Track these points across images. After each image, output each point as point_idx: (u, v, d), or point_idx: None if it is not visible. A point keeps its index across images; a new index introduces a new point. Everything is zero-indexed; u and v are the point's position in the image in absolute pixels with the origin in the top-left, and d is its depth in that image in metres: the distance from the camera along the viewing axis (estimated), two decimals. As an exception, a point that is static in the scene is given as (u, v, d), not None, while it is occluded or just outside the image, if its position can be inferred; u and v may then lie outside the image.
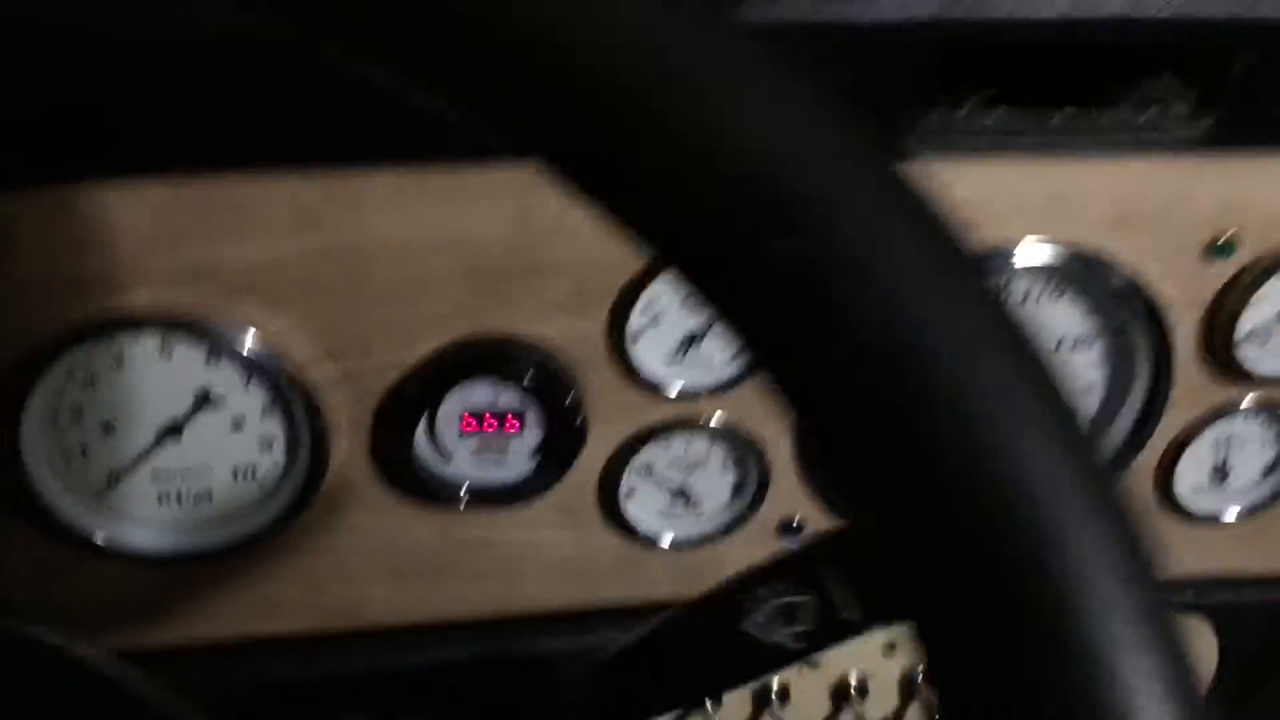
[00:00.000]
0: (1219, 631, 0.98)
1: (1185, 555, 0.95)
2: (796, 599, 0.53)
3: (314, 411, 0.77)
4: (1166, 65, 0.70)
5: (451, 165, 0.69)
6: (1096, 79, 0.71)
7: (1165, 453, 0.89)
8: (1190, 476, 0.91)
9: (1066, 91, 0.71)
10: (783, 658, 0.53)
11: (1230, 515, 0.93)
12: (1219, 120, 0.72)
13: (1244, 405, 0.88)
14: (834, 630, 0.52)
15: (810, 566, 0.52)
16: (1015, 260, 0.78)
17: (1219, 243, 0.78)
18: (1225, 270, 0.80)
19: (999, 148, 0.73)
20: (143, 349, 0.74)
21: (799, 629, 0.52)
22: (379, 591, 0.87)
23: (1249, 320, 0.82)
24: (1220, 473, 0.92)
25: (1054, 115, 0.71)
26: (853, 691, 0.95)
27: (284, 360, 0.75)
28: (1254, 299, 0.81)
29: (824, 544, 0.52)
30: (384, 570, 0.86)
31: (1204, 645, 0.99)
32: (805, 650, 0.52)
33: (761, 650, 0.53)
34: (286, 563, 0.84)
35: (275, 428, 0.79)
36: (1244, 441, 0.90)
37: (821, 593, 0.51)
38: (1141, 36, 0.66)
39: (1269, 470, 0.92)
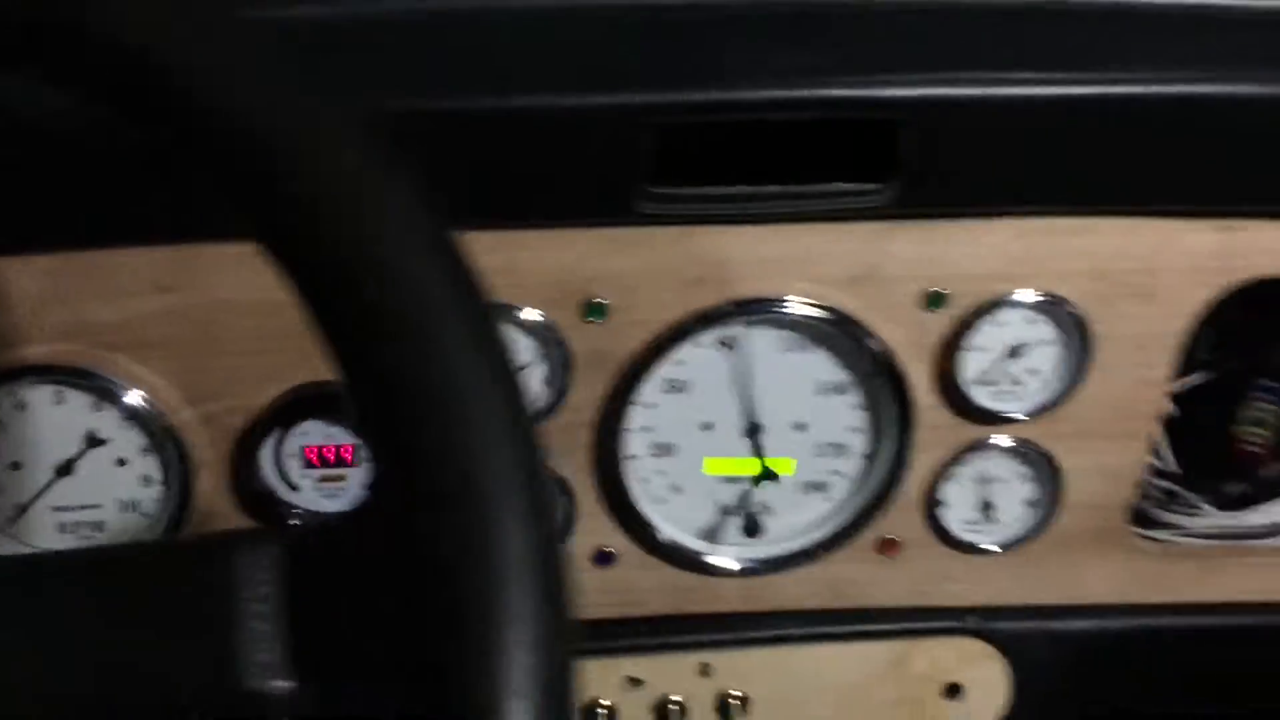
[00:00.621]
0: (1009, 661, 1.10)
1: (967, 587, 1.08)
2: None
3: (181, 451, 0.93)
4: (848, 142, 0.87)
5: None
6: (800, 155, 0.87)
7: (928, 490, 1.02)
8: (959, 512, 1.05)
9: (776, 166, 0.88)
10: None
11: (1002, 547, 1.06)
12: (901, 190, 0.88)
13: (995, 443, 1.01)
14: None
15: None
16: (777, 312, 0.93)
17: (930, 295, 0.94)
18: (943, 320, 0.95)
19: (728, 216, 0.90)
20: (40, 396, 0.91)
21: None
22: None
23: (972, 365, 0.97)
24: (987, 508, 1.05)
25: (765, 188, 0.88)
26: (671, 709, 1.07)
27: (155, 406, 0.91)
28: (968, 345, 0.96)
29: None
30: (250, 596, 1.00)
31: (995, 676, 1.10)
32: None
33: None
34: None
35: (153, 466, 0.95)
36: (1003, 478, 1.04)
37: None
38: (811, 111, 0.83)
39: (1032, 503, 1.05)
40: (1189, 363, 1.33)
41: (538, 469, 0.47)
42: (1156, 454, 1.30)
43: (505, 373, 0.48)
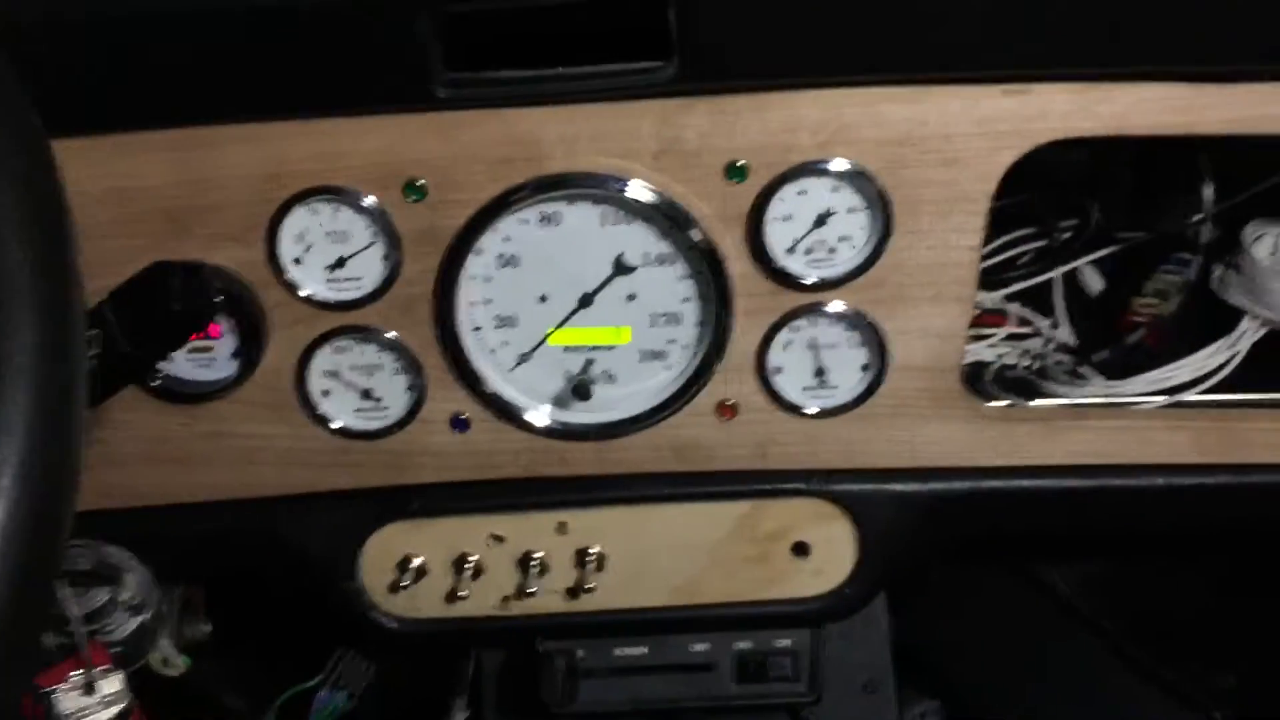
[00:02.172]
0: (853, 521, 1.15)
1: (809, 449, 1.13)
2: (94, 331, 0.77)
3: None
4: (628, 22, 0.92)
5: (125, 130, 0.98)
6: (584, 38, 0.94)
7: (760, 356, 1.08)
8: (795, 378, 1.10)
9: (563, 50, 0.94)
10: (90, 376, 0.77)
11: (839, 410, 1.11)
12: (681, 65, 0.93)
13: (823, 310, 1.06)
14: (116, 359, 0.76)
15: (99, 309, 0.77)
16: (588, 187, 1.00)
17: (732, 167, 0.99)
18: (747, 191, 1.00)
19: (526, 97, 0.96)
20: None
21: (94, 352, 0.77)
22: (146, 476, 1.13)
23: (782, 234, 1.02)
24: (820, 373, 1.10)
25: (550, 70, 0.95)
26: (532, 565, 1.16)
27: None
28: (774, 215, 1.01)
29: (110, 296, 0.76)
30: (148, 459, 1.13)
31: (841, 536, 1.16)
32: (100, 371, 0.76)
33: None
34: (75, 452, 1.12)
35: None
36: (834, 344, 1.09)
37: (107, 328, 0.76)
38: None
39: (864, 368, 1.10)
40: (1098, 236, 1.36)
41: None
42: (1053, 326, 1.33)
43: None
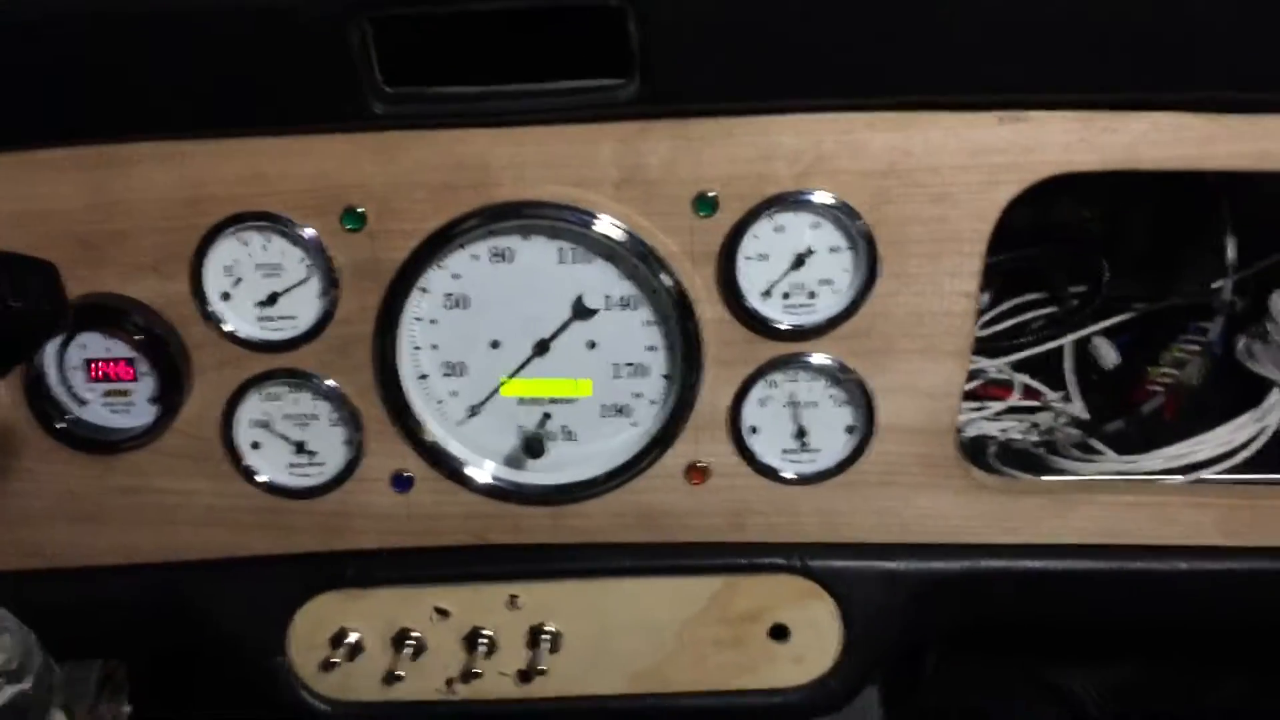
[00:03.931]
0: (837, 602, 1.03)
1: (788, 520, 1.02)
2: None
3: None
4: (584, 36, 0.84)
5: (28, 147, 0.89)
6: (537, 54, 0.85)
7: (734, 413, 0.98)
8: (773, 439, 0.99)
9: (513, 67, 0.86)
10: None
11: (821, 477, 1.00)
12: (643, 84, 0.85)
13: (802, 362, 0.96)
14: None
15: None
16: (541, 218, 0.91)
17: (701, 198, 0.90)
18: (717, 225, 0.91)
19: (470, 116, 0.88)
20: None
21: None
22: (57, 534, 1.03)
23: (756, 274, 0.93)
24: (801, 435, 0.99)
25: (497, 86, 0.86)
26: (480, 643, 1.04)
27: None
28: (748, 252, 0.92)
29: None
30: (58, 514, 1.02)
31: (824, 618, 1.04)
32: None
33: None
34: (-23, 505, 1.02)
35: (-45, 384, 0.98)
36: (815, 402, 0.98)
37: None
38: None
39: (850, 429, 0.99)
40: (1112, 302, 1.26)
41: None
42: (1064, 398, 1.23)
43: None
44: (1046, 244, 1.24)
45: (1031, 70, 0.85)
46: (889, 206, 0.90)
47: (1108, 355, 1.28)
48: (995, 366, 1.24)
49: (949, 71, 0.85)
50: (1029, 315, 1.31)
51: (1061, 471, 1.11)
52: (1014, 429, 1.20)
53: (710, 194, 0.90)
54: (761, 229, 0.91)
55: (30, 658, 0.84)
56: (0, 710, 0.82)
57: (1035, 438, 1.19)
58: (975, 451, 1.12)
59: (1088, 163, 0.88)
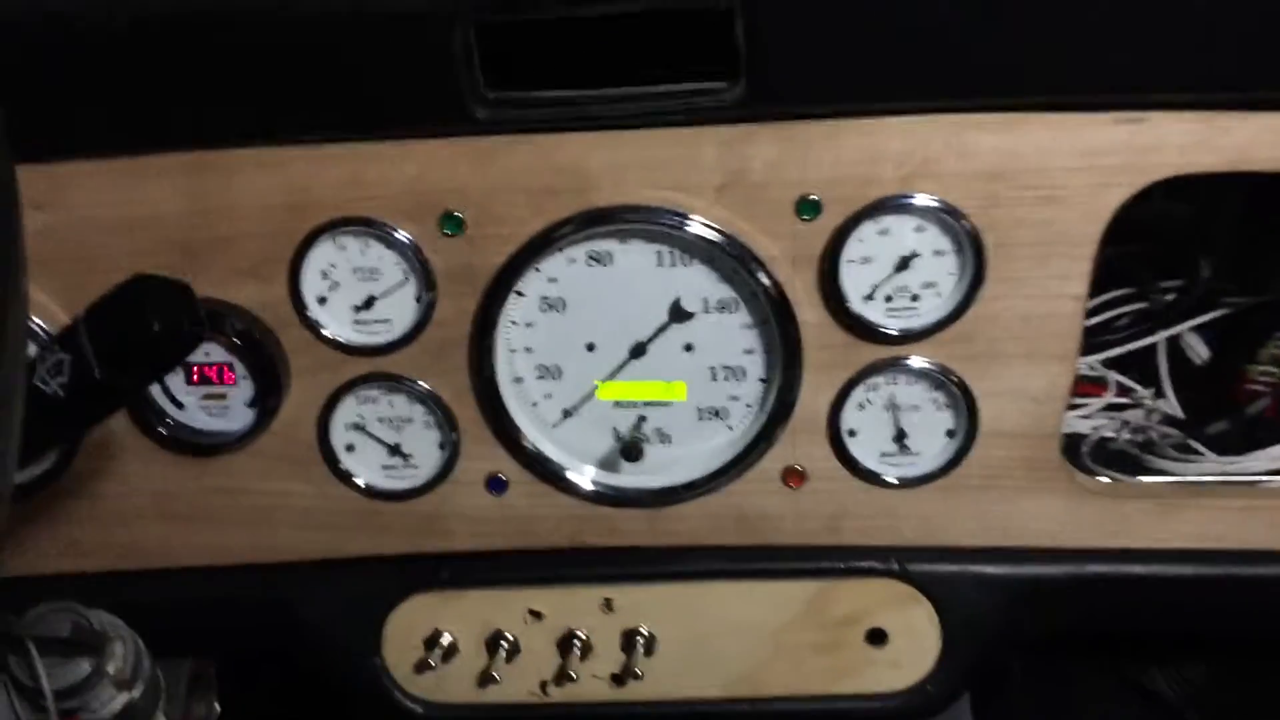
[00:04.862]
0: (936, 607, 1.02)
1: (888, 524, 1.01)
2: (61, 355, 0.68)
3: (75, 367, 0.96)
4: (689, 38, 0.82)
5: (135, 153, 0.89)
6: (638, 57, 0.84)
7: (833, 417, 0.96)
8: (872, 442, 0.98)
9: (610, 71, 0.84)
10: (58, 406, 0.67)
11: (922, 480, 0.98)
12: (749, 87, 0.83)
13: (904, 365, 0.94)
14: (87, 387, 0.66)
15: (71, 330, 0.67)
16: (643, 223, 0.90)
17: (804, 201, 0.88)
18: (820, 229, 0.89)
19: (572, 121, 0.87)
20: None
21: (62, 380, 0.67)
22: (154, 534, 1.04)
23: (859, 278, 0.91)
24: (901, 437, 0.98)
25: (600, 91, 0.85)
26: (574, 646, 1.04)
27: (48, 323, 0.95)
28: (851, 256, 0.90)
29: (84, 314, 0.67)
30: (155, 515, 1.03)
31: (922, 623, 1.03)
32: (68, 401, 0.67)
33: (44, 399, 0.67)
34: (77, 506, 1.03)
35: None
36: (916, 405, 0.97)
37: (78, 352, 0.66)
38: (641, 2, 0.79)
39: (950, 433, 0.97)
40: (1205, 298, 1.23)
41: None
42: (1156, 395, 1.20)
43: None
44: (1141, 240, 1.21)
45: (1149, 70, 0.83)
46: (996, 209, 0.88)
47: (1198, 348, 1.25)
48: (1087, 364, 1.22)
49: (1063, 72, 0.83)
50: (1117, 311, 1.28)
51: (1160, 472, 1.08)
52: (1106, 427, 1.18)
53: (814, 197, 0.88)
54: (865, 232, 0.89)
55: (140, 666, 0.85)
56: (115, 717, 0.83)
57: (1128, 435, 1.17)
58: (1069, 450, 1.09)
59: (1204, 164, 0.86)
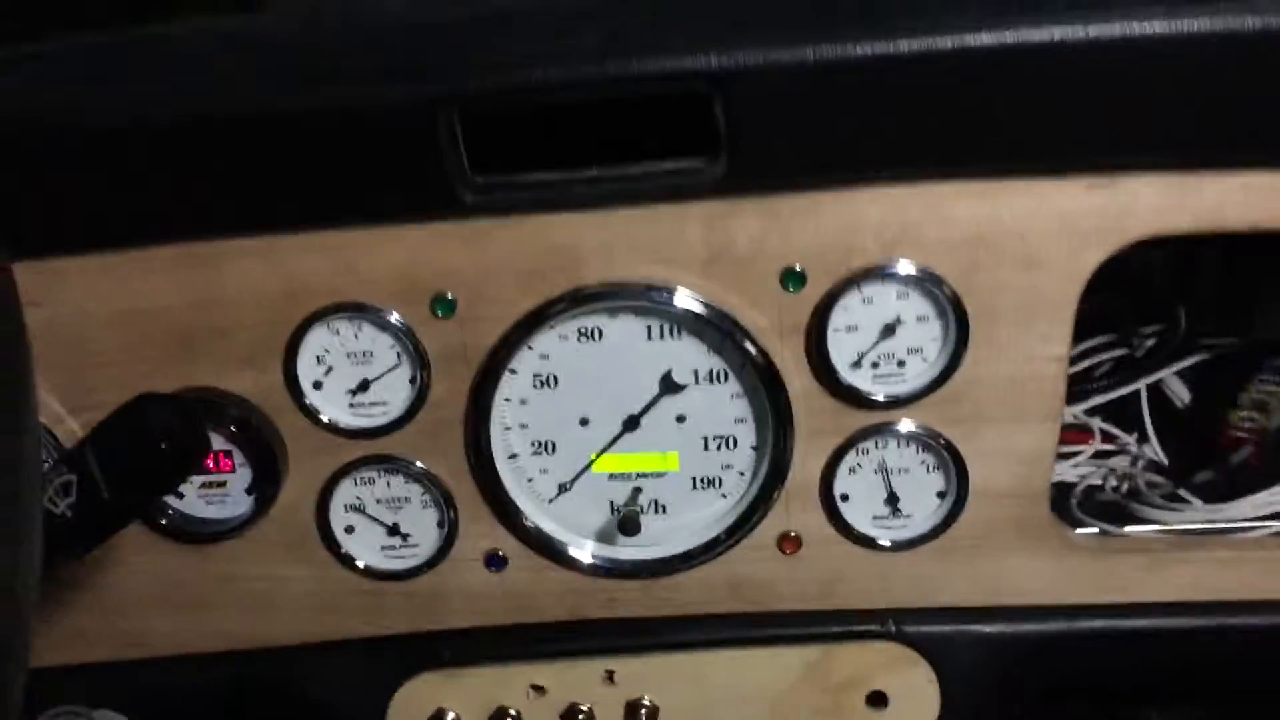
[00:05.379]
0: (935, 667, 1.03)
1: (882, 587, 1.02)
2: (68, 476, 0.69)
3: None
4: (670, 120, 0.85)
5: (129, 246, 0.91)
6: (622, 136, 0.86)
7: (826, 482, 0.98)
8: (865, 506, 0.99)
9: (593, 150, 0.86)
10: (67, 527, 0.68)
11: (914, 543, 0.99)
12: (729, 164, 0.85)
13: (893, 430, 0.96)
14: (96, 506, 0.67)
15: (78, 452, 0.69)
16: (630, 299, 0.91)
17: (789, 273, 0.90)
18: (805, 299, 0.91)
19: (557, 201, 0.89)
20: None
21: (70, 501, 0.68)
22: (157, 622, 1.04)
23: (845, 346, 0.93)
24: (893, 502, 0.99)
25: (585, 172, 0.87)
26: (581, 719, 1.04)
27: (48, 418, 0.96)
28: (836, 325, 0.92)
29: (90, 435, 0.68)
30: (158, 603, 1.03)
31: (922, 684, 1.03)
32: (77, 522, 0.68)
33: (53, 520, 0.68)
34: (80, 597, 1.03)
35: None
36: (906, 469, 0.98)
37: (85, 471, 0.68)
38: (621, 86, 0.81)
39: (941, 495, 0.99)
40: (1185, 343, 1.25)
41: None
42: (1143, 443, 1.22)
43: None
44: (1119, 287, 1.23)
45: (1119, 137, 0.85)
46: (977, 275, 0.90)
47: (1180, 393, 1.27)
48: (1070, 413, 1.24)
49: (1037, 141, 0.85)
50: (1098, 359, 1.30)
51: (1148, 521, 1.10)
52: (1092, 475, 1.20)
53: (798, 268, 0.90)
54: (850, 301, 0.91)
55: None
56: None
57: (1114, 483, 1.19)
58: (1057, 500, 1.11)
59: (1178, 225, 0.88)
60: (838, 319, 0.92)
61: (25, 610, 0.51)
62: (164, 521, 0.99)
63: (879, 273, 0.90)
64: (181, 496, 0.99)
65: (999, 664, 1.02)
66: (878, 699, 1.04)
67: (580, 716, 1.05)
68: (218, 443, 0.97)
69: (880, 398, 0.94)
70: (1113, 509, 1.12)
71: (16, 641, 0.50)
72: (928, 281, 0.90)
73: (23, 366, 0.54)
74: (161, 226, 0.90)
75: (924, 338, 0.93)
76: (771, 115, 0.83)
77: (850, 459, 0.97)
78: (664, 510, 1.01)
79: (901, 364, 0.94)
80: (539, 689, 1.05)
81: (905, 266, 0.90)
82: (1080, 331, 1.27)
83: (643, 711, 1.04)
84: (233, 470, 0.98)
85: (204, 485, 0.99)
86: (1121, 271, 1.15)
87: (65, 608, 1.03)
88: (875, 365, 0.94)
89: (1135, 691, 1.12)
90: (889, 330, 0.92)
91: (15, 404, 0.52)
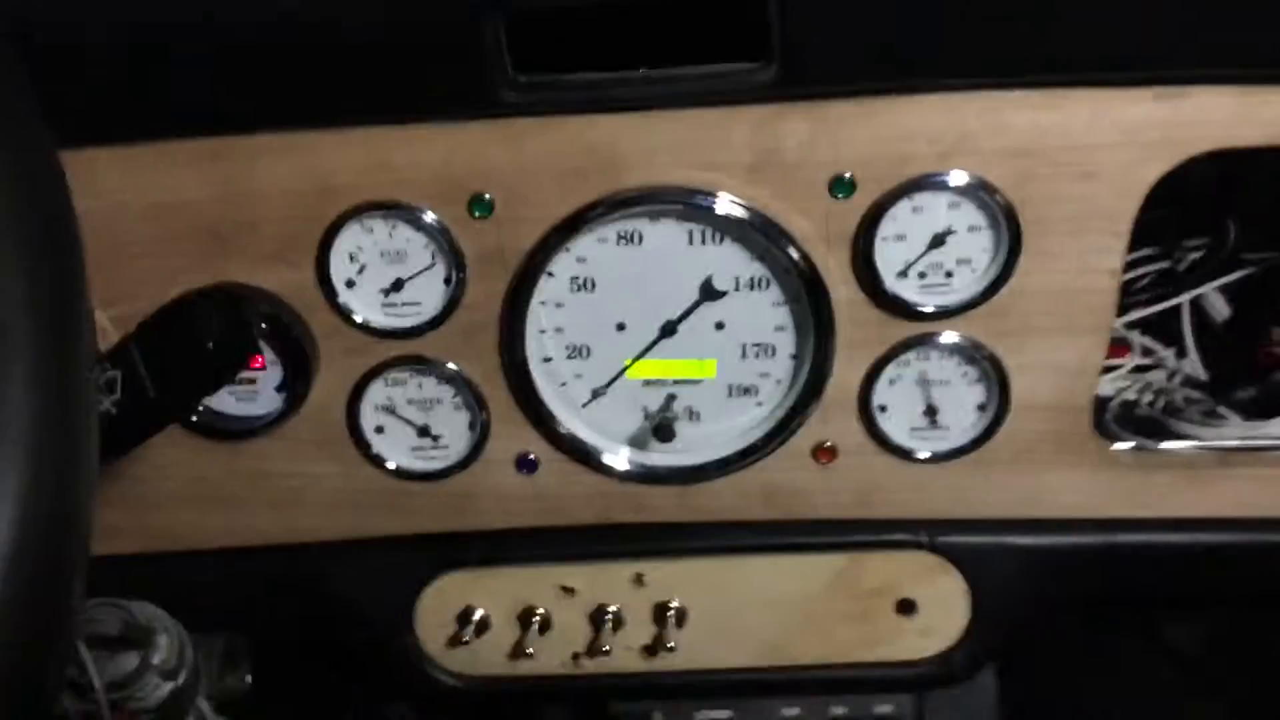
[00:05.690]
0: (966, 577, 1.02)
1: (917, 497, 1.01)
2: (114, 373, 0.67)
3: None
4: (719, 19, 0.81)
5: (164, 138, 0.88)
6: (666, 38, 0.82)
7: (864, 393, 0.96)
8: (903, 417, 0.98)
9: (642, 52, 0.83)
10: (111, 423, 0.67)
11: (952, 455, 0.98)
12: (782, 67, 0.82)
13: (935, 341, 0.94)
14: (141, 405, 0.66)
15: (123, 347, 0.67)
16: (675, 203, 0.89)
17: (838, 180, 0.87)
18: (854, 207, 0.89)
19: (601, 103, 0.85)
20: None
21: (115, 398, 0.67)
22: (186, 518, 1.04)
23: (893, 255, 0.90)
24: (932, 412, 0.98)
25: (634, 72, 0.83)
26: (606, 620, 1.05)
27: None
28: (884, 234, 0.89)
29: (136, 332, 0.67)
30: (187, 498, 1.03)
31: (952, 594, 1.03)
32: (121, 419, 0.67)
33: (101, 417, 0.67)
34: (111, 492, 1.03)
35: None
36: (947, 381, 0.97)
37: (131, 369, 0.66)
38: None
39: (981, 407, 0.97)
40: (1229, 260, 1.22)
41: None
42: (1179, 356, 1.20)
43: None
44: (1166, 202, 1.20)
45: (1190, 46, 0.81)
46: (1032, 185, 0.87)
47: (1220, 308, 1.25)
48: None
49: (1103, 49, 0.81)
50: (1140, 271, 1.28)
51: (1185, 437, 1.08)
52: (1128, 389, 1.18)
53: (848, 176, 0.87)
54: (899, 210, 0.89)
55: (184, 655, 0.86)
56: (160, 707, 0.84)
57: (1150, 398, 1.17)
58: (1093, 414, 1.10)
59: (1243, 138, 0.85)
60: (886, 228, 0.89)
61: (86, 501, 0.50)
62: (194, 418, 0.98)
63: (931, 182, 0.87)
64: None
65: (1032, 576, 1.02)
66: (907, 606, 1.04)
67: (608, 617, 1.05)
68: (251, 340, 0.95)
69: (927, 309, 0.92)
70: (1149, 424, 1.10)
71: (82, 530, 0.49)
72: (981, 191, 0.87)
73: (76, 256, 0.52)
74: (194, 120, 0.87)
75: (974, 248, 0.90)
76: (826, 16, 0.80)
77: (891, 370, 0.96)
78: (698, 417, 1.00)
79: (949, 274, 0.91)
80: (568, 590, 1.05)
81: (958, 176, 0.87)
82: (1123, 244, 1.25)
83: (670, 614, 1.05)
84: (263, 368, 0.97)
85: (235, 382, 0.97)
86: (1166, 183, 1.12)
87: (96, 503, 1.02)
88: (922, 275, 0.91)
89: (1167, 605, 1.12)
90: (938, 240, 0.90)
91: (70, 295, 0.50)
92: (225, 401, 0.98)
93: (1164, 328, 1.23)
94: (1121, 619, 1.32)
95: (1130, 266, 1.26)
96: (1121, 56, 0.82)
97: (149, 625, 0.83)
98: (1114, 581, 1.03)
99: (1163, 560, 1.01)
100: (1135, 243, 1.24)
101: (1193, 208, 1.25)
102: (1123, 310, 1.22)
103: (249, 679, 1.19)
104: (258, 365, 0.97)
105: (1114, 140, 0.85)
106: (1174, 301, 1.23)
